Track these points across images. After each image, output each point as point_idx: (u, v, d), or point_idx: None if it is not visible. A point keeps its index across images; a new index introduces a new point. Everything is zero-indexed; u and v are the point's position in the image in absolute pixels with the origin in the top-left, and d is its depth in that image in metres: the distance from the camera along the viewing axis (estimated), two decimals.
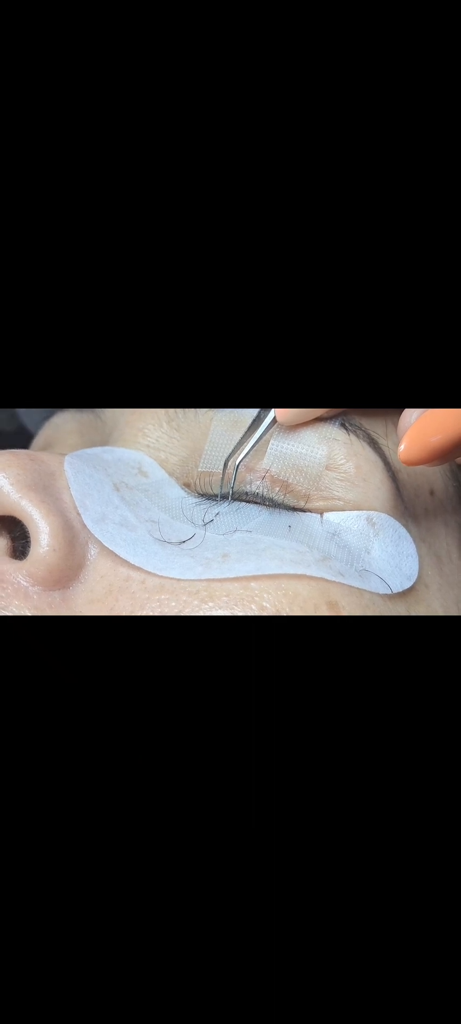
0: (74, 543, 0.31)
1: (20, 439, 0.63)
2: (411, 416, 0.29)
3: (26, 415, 0.64)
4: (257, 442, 0.33)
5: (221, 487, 0.33)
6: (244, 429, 0.34)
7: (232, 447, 0.34)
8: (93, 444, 0.38)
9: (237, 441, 0.34)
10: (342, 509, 0.32)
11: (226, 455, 0.34)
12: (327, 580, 0.29)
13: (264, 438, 0.33)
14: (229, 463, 0.33)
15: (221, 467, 0.34)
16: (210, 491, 0.34)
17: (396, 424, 0.33)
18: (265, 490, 0.33)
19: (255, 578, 0.29)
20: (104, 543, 0.31)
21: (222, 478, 0.33)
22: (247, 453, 0.33)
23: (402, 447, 0.29)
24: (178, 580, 0.29)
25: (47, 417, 0.45)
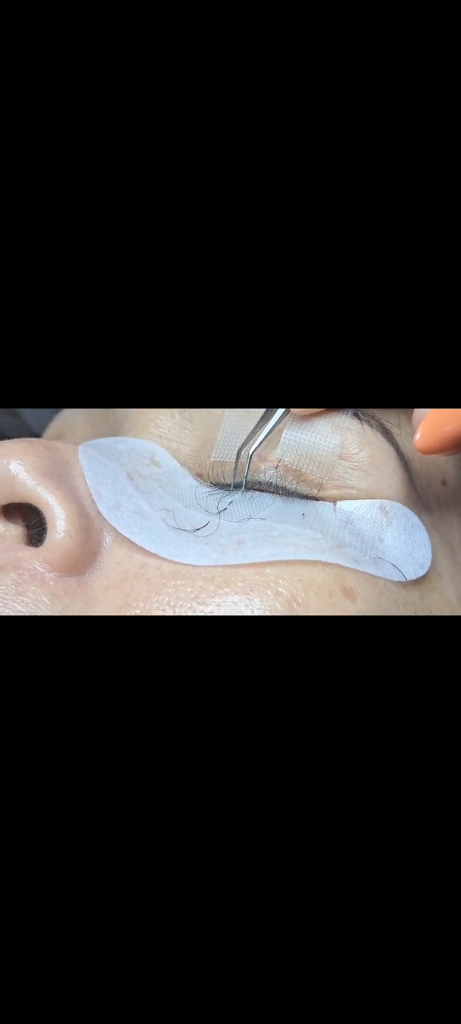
0: (90, 530, 0.31)
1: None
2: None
3: (32, 414, 0.65)
4: (270, 432, 0.33)
5: (234, 476, 0.34)
6: (257, 419, 0.34)
7: (245, 436, 0.34)
8: (104, 436, 0.38)
9: (250, 431, 0.34)
10: (355, 498, 0.32)
11: (239, 445, 0.34)
12: (342, 566, 0.29)
13: (277, 428, 0.33)
14: (242, 452, 0.34)
15: (234, 457, 0.34)
16: (223, 480, 0.34)
17: (409, 414, 0.34)
18: (278, 479, 0.33)
19: (270, 564, 0.29)
20: (119, 530, 0.31)
21: (235, 467, 0.34)
22: (261, 443, 0.33)
23: (417, 436, 0.29)
24: (194, 566, 0.30)
25: (55, 411, 0.45)
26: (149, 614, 0.29)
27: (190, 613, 0.29)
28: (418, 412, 0.30)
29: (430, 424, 0.29)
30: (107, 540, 0.31)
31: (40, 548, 0.30)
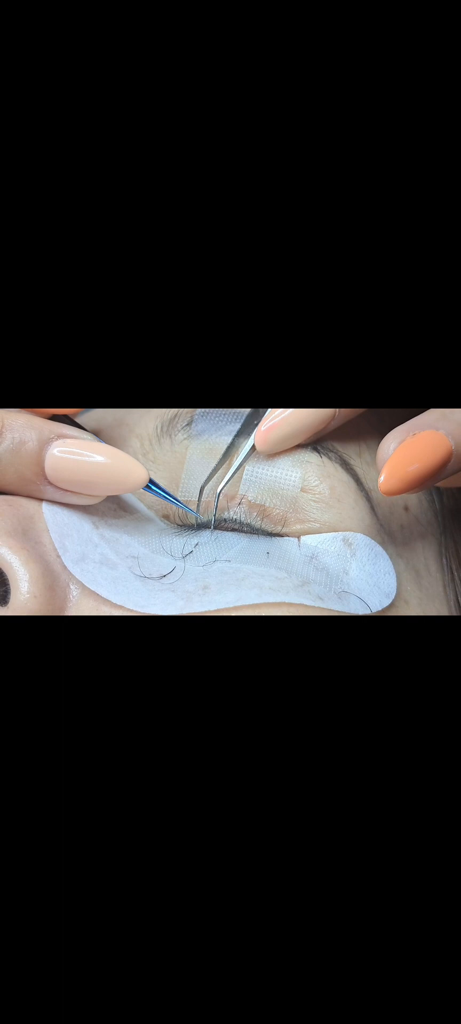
0: (55, 587, 0.31)
1: None
2: (389, 447, 0.30)
3: None
4: (237, 470, 0.34)
5: (197, 514, 0.34)
6: (219, 456, 0.34)
7: (207, 474, 0.34)
8: None
9: (212, 468, 0.34)
10: (319, 531, 0.33)
11: (202, 482, 0.34)
12: (306, 606, 0.30)
13: (241, 465, 0.34)
14: (204, 490, 0.34)
15: (197, 495, 0.34)
16: (189, 520, 0.34)
17: (369, 444, 0.34)
18: (243, 515, 0.33)
19: (236, 609, 0.29)
20: (85, 583, 0.31)
21: (198, 505, 0.34)
22: (227, 482, 0.34)
23: (382, 478, 0.29)
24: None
25: None
26: None
27: None
28: (380, 454, 0.30)
29: (393, 466, 0.29)
30: (74, 593, 0.31)
31: (6, 608, 0.30)
